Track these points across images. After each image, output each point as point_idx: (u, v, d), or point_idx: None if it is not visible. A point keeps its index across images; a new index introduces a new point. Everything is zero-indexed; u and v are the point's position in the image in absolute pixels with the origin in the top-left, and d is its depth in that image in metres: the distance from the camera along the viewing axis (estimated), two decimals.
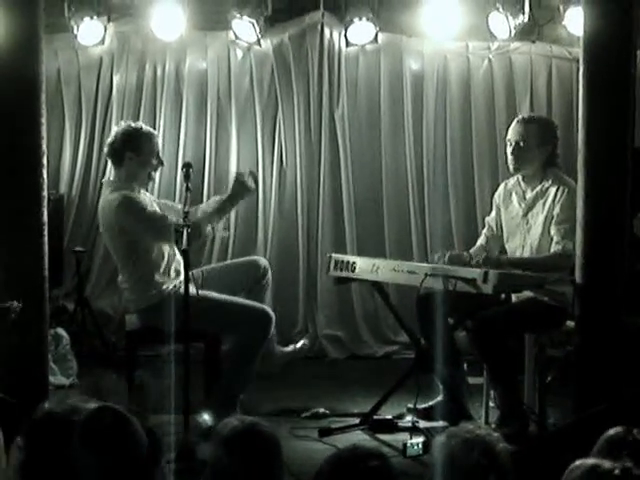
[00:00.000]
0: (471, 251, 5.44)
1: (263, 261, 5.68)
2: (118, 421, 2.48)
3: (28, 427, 2.49)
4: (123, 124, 5.44)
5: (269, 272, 5.59)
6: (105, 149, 5.53)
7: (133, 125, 5.40)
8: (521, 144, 5.12)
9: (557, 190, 5.06)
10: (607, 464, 2.38)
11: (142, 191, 5.40)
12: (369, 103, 7.35)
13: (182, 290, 4.73)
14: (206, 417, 4.97)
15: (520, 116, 5.43)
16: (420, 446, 4.59)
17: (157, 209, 5.31)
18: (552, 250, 4.97)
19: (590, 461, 2.42)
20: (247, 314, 5.15)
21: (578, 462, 2.44)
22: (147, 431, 2.53)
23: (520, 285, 4.91)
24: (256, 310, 5.18)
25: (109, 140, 5.43)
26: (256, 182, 5.46)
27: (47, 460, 2.44)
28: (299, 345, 5.64)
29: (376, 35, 7.14)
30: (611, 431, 3.03)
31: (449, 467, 2.57)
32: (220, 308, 5.13)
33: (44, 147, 4.65)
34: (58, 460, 2.43)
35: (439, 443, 2.65)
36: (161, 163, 5.44)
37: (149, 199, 5.40)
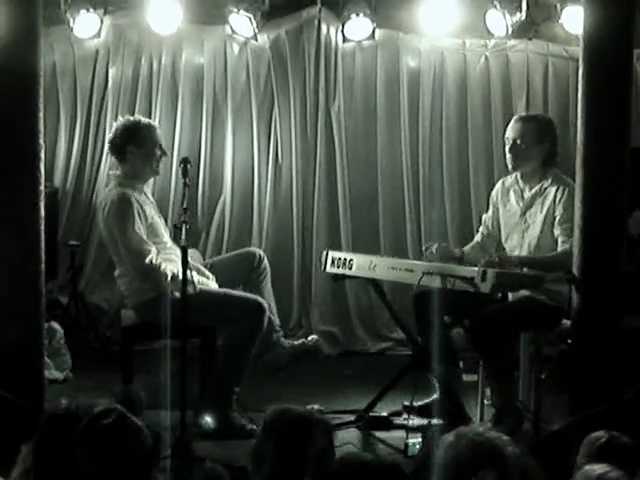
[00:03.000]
0: (466, 248, 5.44)
1: (258, 250, 5.67)
2: (122, 422, 2.47)
3: (39, 431, 2.48)
4: (122, 119, 5.42)
5: (265, 260, 5.56)
6: (106, 146, 5.50)
7: (132, 119, 5.38)
8: (519, 142, 5.12)
9: (557, 190, 5.05)
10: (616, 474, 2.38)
11: (145, 193, 5.38)
12: (365, 99, 7.34)
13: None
14: (208, 419, 4.96)
15: (518, 114, 5.43)
16: (421, 444, 4.55)
17: (142, 233, 5.15)
18: (560, 249, 4.96)
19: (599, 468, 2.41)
20: (240, 306, 5.10)
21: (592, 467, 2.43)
22: (151, 430, 2.53)
23: (518, 284, 4.90)
24: (248, 301, 5.14)
25: (110, 136, 5.42)
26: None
27: (59, 463, 2.44)
28: (309, 339, 5.62)
29: (373, 31, 7.14)
30: (595, 435, 3.04)
31: (456, 469, 2.56)
32: (213, 301, 5.10)
33: (42, 141, 4.62)
34: (69, 463, 2.43)
35: (447, 443, 2.63)
36: (164, 153, 5.41)
37: (148, 210, 5.28)
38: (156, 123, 5.72)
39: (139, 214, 5.13)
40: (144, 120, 5.39)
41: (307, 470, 2.71)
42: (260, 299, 5.18)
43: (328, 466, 2.68)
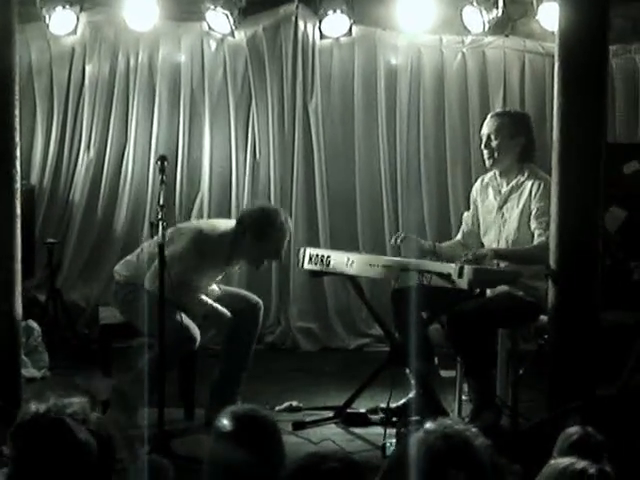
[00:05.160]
0: (444, 245, 5.44)
1: (259, 305, 5.48)
2: (51, 430, 2.38)
3: (15, 432, 2.41)
4: (264, 206, 5.41)
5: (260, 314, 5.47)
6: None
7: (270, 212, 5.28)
8: (492, 137, 5.13)
9: (532, 185, 5.06)
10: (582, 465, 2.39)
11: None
12: (343, 96, 7.35)
13: None
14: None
15: (493, 111, 5.44)
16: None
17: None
18: (536, 241, 4.97)
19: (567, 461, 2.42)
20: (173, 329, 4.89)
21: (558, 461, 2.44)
22: (97, 435, 2.44)
23: (495, 280, 4.92)
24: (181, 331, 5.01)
25: (248, 210, 5.38)
26: None
27: (35, 471, 2.37)
28: None
29: (350, 28, 7.15)
30: (570, 431, 3.06)
31: (426, 462, 2.57)
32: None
33: (17, 139, 4.60)
34: (46, 470, 2.36)
35: (416, 438, 2.64)
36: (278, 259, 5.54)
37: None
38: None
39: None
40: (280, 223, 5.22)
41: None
42: (193, 329, 5.02)
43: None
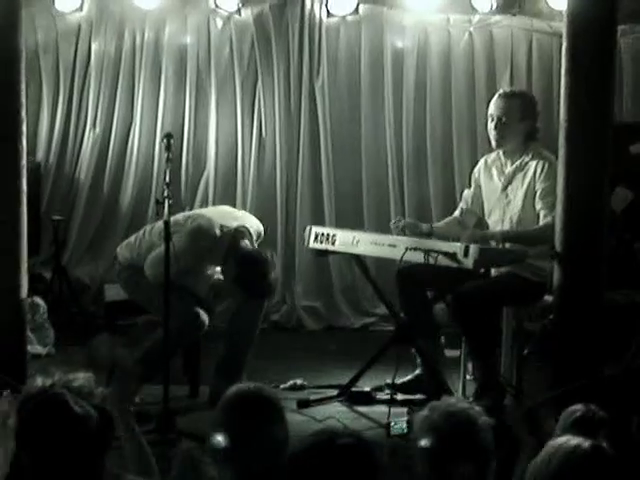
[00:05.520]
0: (439, 224, 5.45)
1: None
2: (49, 403, 2.41)
3: (19, 407, 2.44)
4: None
5: None
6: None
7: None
8: (503, 119, 5.10)
9: (537, 164, 5.04)
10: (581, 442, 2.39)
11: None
12: (349, 74, 7.33)
13: None
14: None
15: (502, 90, 5.40)
16: (404, 425, 4.54)
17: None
18: (542, 222, 4.96)
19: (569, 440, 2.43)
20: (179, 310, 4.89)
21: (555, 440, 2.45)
22: (99, 410, 2.47)
23: (500, 260, 4.92)
24: (189, 311, 5.01)
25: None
26: None
27: (40, 448, 2.39)
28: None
29: (357, 6, 7.15)
30: (573, 409, 3.07)
31: (431, 440, 2.58)
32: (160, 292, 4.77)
33: (23, 116, 4.60)
34: (50, 447, 2.38)
35: (421, 417, 2.66)
36: None
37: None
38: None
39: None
40: None
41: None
42: (202, 314, 5.00)
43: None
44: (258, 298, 5.19)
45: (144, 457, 3.06)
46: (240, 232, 5.13)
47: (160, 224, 4.70)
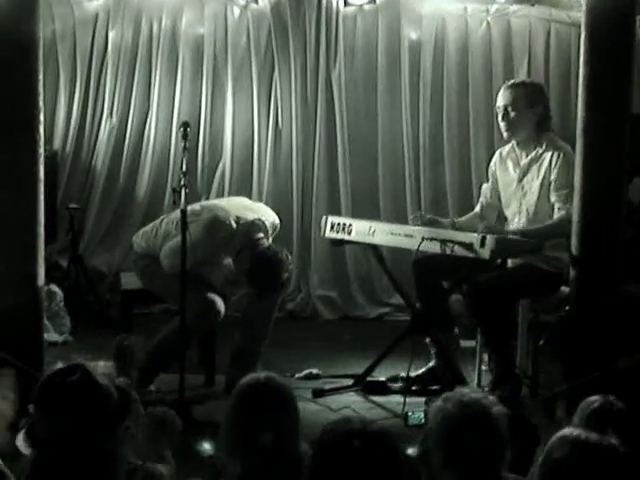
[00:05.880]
0: (463, 219, 5.44)
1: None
2: (85, 380, 2.44)
3: (36, 399, 2.46)
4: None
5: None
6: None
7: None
8: (510, 109, 5.09)
9: (552, 155, 5.03)
10: (593, 437, 2.40)
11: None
12: (366, 64, 7.31)
13: None
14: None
15: (507, 82, 5.38)
16: (422, 415, 4.52)
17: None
18: (556, 216, 4.95)
19: (575, 432, 2.43)
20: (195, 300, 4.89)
21: (566, 431, 2.45)
22: (119, 389, 2.51)
23: (517, 250, 4.91)
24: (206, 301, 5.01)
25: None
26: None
27: (57, 431, 2.42)
28: None
29: None
30: (591, 399, 3.07)
31: (445, 430, 2.58)
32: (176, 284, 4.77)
33: (41, 104, 4.61)
34: (68, 430, 2.41)
35: (435, 407, 2.67)
36: None
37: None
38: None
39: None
40: None
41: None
42: (218, 303, 5.00)
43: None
44: (266, 293, 5.19)
45: (157, 445, 3.09)
46: (256, 225, 5.13)
47: (177, 213, 4.71)
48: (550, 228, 4.97)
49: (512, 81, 5.37)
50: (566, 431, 2.45)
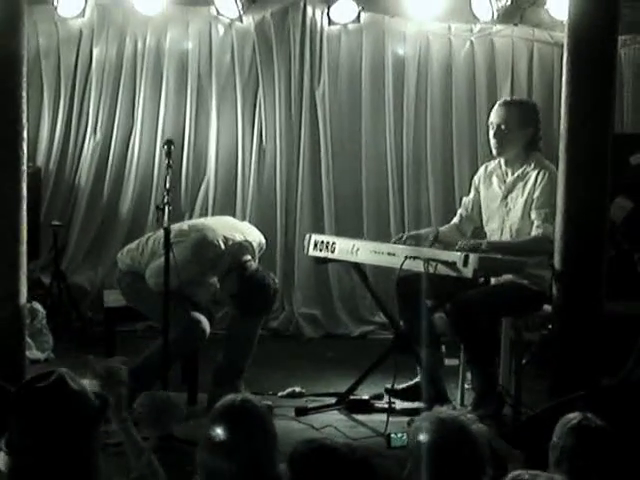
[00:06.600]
0: (442, 229, 5.45)
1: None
2: (60, 385, 2.45)
3: (13, 399, 2.48)
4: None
5: None
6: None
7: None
8: (503, 127, 5.12)
9: (538, 174, 5.05)
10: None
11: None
12: (350, 83, 7.33)
13: None
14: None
15: (502, 99, 5.43)
16: (404, 436, 4.51)
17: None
18: (533, 234, 4.98)
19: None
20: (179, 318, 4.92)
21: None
22: (98, 395, 2.54)
23: (500, 269, 4.91)
24: (191, 318, 5.02)
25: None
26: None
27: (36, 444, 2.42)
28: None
29: (359, 14, 7.15)
30: (570, 416, 3.09)
31: (425, 448, 2.59)
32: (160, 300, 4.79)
33: (24, 121, 4.60)
34: (47, 444, 2.41)
35: (415, 426, 2.68)
36: None
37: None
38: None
39: None
40: None
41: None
42: (204, 323, 4.99)
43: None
44: (250, 315, 5.17)
45: (148, 463, 3.08)
46: (244, 247, 5.13)
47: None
48: (522, 245, 5.00)
49: (507, 98, 5.41)
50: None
